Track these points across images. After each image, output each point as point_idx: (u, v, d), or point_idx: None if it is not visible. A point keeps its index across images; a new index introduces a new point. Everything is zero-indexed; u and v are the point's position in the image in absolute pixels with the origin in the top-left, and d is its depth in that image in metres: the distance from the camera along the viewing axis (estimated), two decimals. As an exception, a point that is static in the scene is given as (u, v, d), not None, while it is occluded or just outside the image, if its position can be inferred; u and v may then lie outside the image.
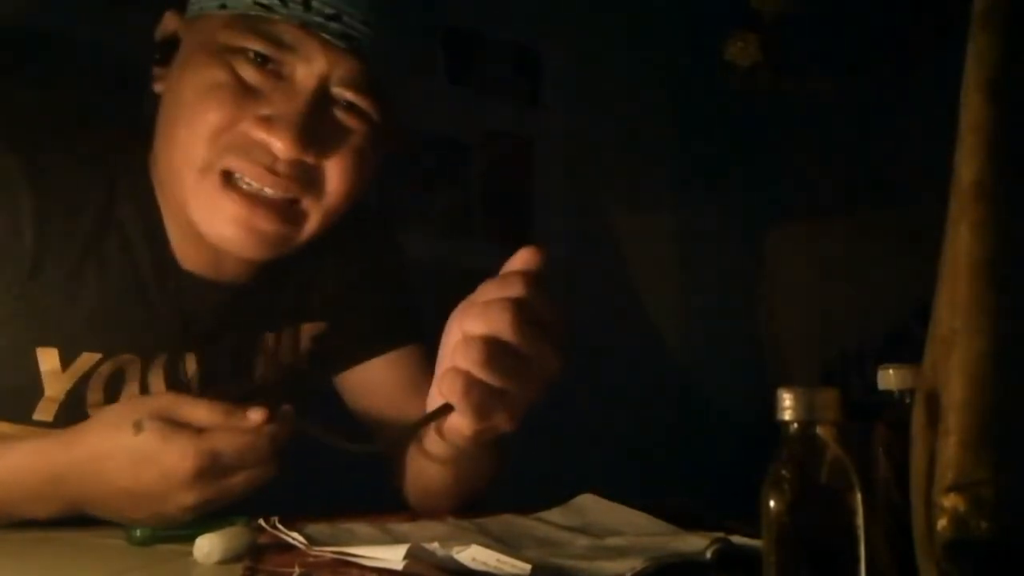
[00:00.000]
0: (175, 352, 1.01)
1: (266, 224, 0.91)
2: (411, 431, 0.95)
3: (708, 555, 0.74)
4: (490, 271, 0.86)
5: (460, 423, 0.85)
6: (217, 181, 0.91)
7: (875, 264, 2.42)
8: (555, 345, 0.83)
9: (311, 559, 0.74)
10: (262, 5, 0.89)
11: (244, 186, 0.91)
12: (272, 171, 0.90)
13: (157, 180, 0.98)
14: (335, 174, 0.93)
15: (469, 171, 2.24)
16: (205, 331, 1.02)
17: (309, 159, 0.91)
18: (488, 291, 0.83)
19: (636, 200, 2.56)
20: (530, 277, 0.82)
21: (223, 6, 0.91)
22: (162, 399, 0.90)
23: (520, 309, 0.81)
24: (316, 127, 0.90)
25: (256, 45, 0.90)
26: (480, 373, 0.81)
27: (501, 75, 2.30)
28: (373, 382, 1.14)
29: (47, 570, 0.78)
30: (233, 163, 0.90)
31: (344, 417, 1.14)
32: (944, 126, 0.55)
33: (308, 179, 0.92)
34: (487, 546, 0.70)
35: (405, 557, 0.67)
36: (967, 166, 0.52)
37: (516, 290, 0.81)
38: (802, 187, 2.59)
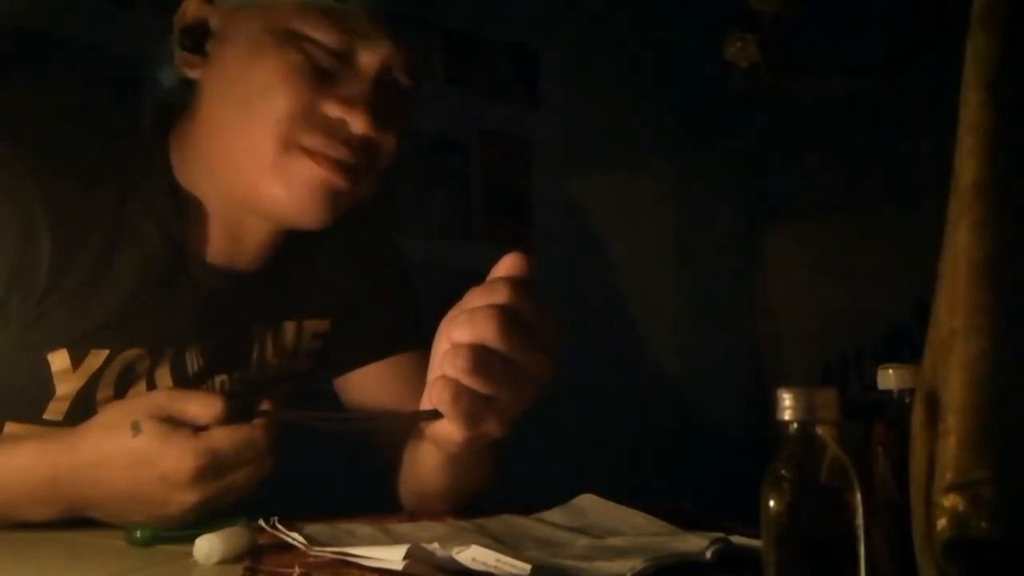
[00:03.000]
0: (183, 346, 1.01)
1: (341, 183, 0.96)
2: (398, 423, 0.95)
3: (708, 555, 0.74)
4: (489, 272, 0.86)
5: (451, 431, 0.85)
6: (299, 154, 0.94)
7: (875, 264, 2.42)
8: (544, 350, 0.83)
9: (311, 559, 0.74)
10: None
11: (322, 155, 0.95)
12: (348, 144, 0.95)
13: (193, 164, 0.99)
14: (386, 148, 0.99)
15: (469, 171, 2.24)
16: (215, 320, 1.02)
17: (375, 135, 0.96)
18: (474, 298, 0.83)
19: (635, 200, 2.56)
20: (516, 283, 0.82)
21: None
22: (158, 397, 0.89)
23: (506, 315, 0.81)
24: (381, 106, 0.95)
25: (330, 32, 0.94)
26: (468, 381, 0.81)
27: (500, 75, 2.30)
28: (373, 386, 1.14)
29: (47, 570, 0.78)
30: (311, 141, 0.94)
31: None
32: (944, 126, 0.55)
33: (370, 151, 0.97)
34: (487, 546, 0.70)
35: (405, 557, 0.67)
36: (966, 166, 0.52)
37: (501, 296, 0.81)
38: (802, 187, 2.59)
